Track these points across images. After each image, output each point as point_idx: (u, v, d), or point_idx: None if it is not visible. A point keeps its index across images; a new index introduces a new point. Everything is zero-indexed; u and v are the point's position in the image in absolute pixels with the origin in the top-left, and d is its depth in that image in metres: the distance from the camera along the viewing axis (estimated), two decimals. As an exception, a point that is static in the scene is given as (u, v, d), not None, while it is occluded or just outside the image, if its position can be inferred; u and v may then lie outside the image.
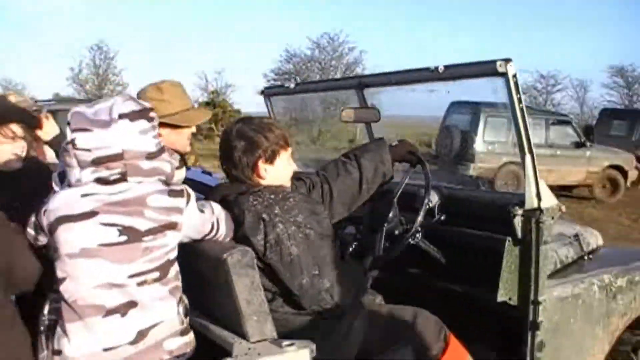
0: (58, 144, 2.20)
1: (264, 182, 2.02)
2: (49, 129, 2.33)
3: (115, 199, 1.68)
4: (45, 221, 1.71)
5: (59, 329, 1.70)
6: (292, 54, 23.62)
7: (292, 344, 1.76)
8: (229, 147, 2.01)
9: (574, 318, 2.43)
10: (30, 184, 2.03)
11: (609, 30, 55.43)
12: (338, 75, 22.37)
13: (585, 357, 2.52)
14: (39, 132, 2.28)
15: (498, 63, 2.03)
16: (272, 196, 1.89)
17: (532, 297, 2.21)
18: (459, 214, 2.34)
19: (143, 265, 1.70)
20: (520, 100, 2.07)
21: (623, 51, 62.39)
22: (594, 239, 2.76)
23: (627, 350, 2.65)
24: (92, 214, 1.67)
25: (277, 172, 2.03)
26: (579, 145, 12.55)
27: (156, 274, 1.72)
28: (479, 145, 11.60)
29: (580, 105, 32.14)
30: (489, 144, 11.99)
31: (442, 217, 2.29)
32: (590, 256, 2.66)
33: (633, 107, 28.63)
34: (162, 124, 2.12)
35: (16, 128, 2.09)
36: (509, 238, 2.21)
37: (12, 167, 2.08)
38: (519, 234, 2.21)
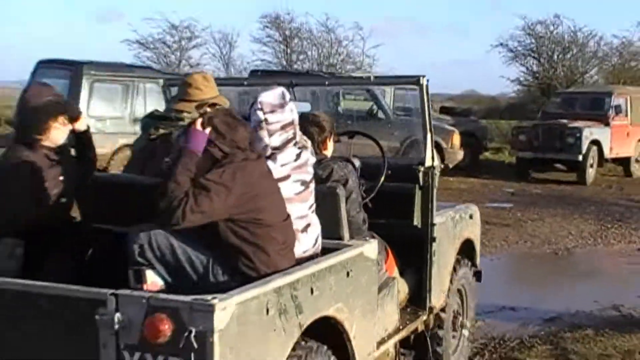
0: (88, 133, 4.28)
1: (326, 152, 4.38)
2: (82, 122, 4.17)
3: (297, 164, 3.69)
4: None
5: None
6: None
7: (371, 238, 4.12)
8: (307, 131, 4.18)
9: (443, 237, 5.06)
10: (69, 158, 4.13)
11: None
12: None
13: (447, 263, 5.25)
14: (75, 124, 4.14)
15: (420, 77, 4.58)
16: (342, 164, 4.34)
17: (430, 222, 4.77)
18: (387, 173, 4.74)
19: (311, 201, 3.76)
20: (429, 103, 4.63)
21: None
22: None
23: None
24: (288, 176, 3.66)
25: (331, 146, 4.44)
26: None
27: (314, 206, 3.78)
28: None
29: (225, 66, 33.80)
30: (98, 120, 11.44)
31: (389, 172, 4.72)
32: None
33: (292, 67, 31.05)
34: (203, 104, 4.26)
35: (65, 118, 4.04)
36: (417, 185, 4.70)
37: (60, 144, 4.07)
38: (421, 182, 4.71)
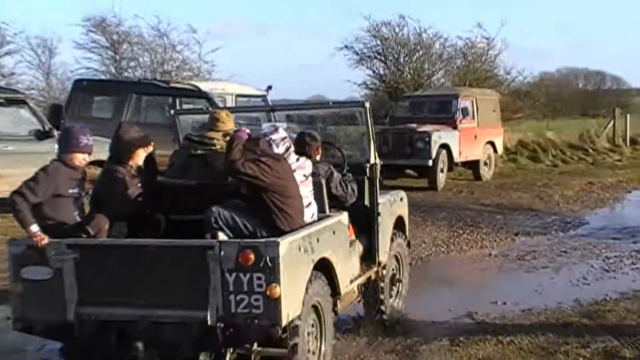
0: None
1: (317, 157, 7.06)
2: (150, 147, 6.46)
3: (298, 164, 6.20)
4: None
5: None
6: None
7: (343, 212, 6.70)
8: (305, 142, 7.02)
9: (384, 213, 7.51)
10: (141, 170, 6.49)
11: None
12: None
13: (388, 232, 7.75)
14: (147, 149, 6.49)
15: (365, 102, 7.41)
16: (329, 166, 7.02)
17: (376, 201, 7.25)
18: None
19: (310, 188, 6.29)
20: (372, 120, 7.20)
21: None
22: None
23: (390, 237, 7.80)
24: (294, 171, 6.11)
25: (320, 152, 7.19)
26: (43, 135, 12.62)
27: (313, 192, 6.31)
28: None
29: (45, 75, 32.42)
30: None
31: (349, 168, 7.29)
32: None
33: (122, 75, 28.02)
34: (228, 134, 6.53)
35: (144, 148, 6.45)
36: (366, 177, 7.22)
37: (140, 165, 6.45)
38: (368, 174, 7.23)
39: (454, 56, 33.07)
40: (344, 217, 6.53)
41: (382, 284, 7.53)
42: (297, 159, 6.25)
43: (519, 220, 14.55)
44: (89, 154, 6.03)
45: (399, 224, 8.16)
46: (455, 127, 19.67)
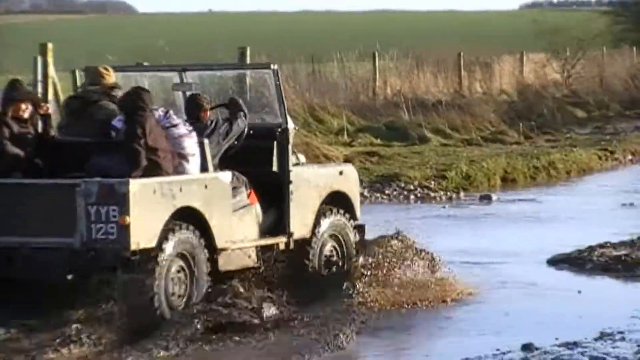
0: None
1: (205, 118, 7.67)
2: (27, 106, 7.41)
3: (189, 127, 7.51)
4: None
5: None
6: None
7: (226, 171, 7.61)
8: (199, 103, 7.78)
9: (302, 183, 7.84)
10: None
11: None
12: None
13: (309, 205, 7.96)
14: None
15: (271, 65, 8.02)
16: (213, 120, 7.78)
17: (287, 168, 7.71)
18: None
19: (194, 139, 7.41)
20: (280, 82, 7.98)
21: None
22: (301, 156, 8.60)
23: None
24: (175, 125, 7.47)
25: (207, 116, 7.74)
26: None
27: (199, 146, 7.47)
28: None
29: None
30: None
31: (251, 131, 7.78)
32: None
33: None
34: (110, 87, 7.67)
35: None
36: (275, 142, 7.78)
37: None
38: (278, 139, 7.78)
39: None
40: (224, 175, 7.36)
41: (306, 261, 7.93)
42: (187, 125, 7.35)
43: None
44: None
45: (338, 200, 8.26)
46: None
